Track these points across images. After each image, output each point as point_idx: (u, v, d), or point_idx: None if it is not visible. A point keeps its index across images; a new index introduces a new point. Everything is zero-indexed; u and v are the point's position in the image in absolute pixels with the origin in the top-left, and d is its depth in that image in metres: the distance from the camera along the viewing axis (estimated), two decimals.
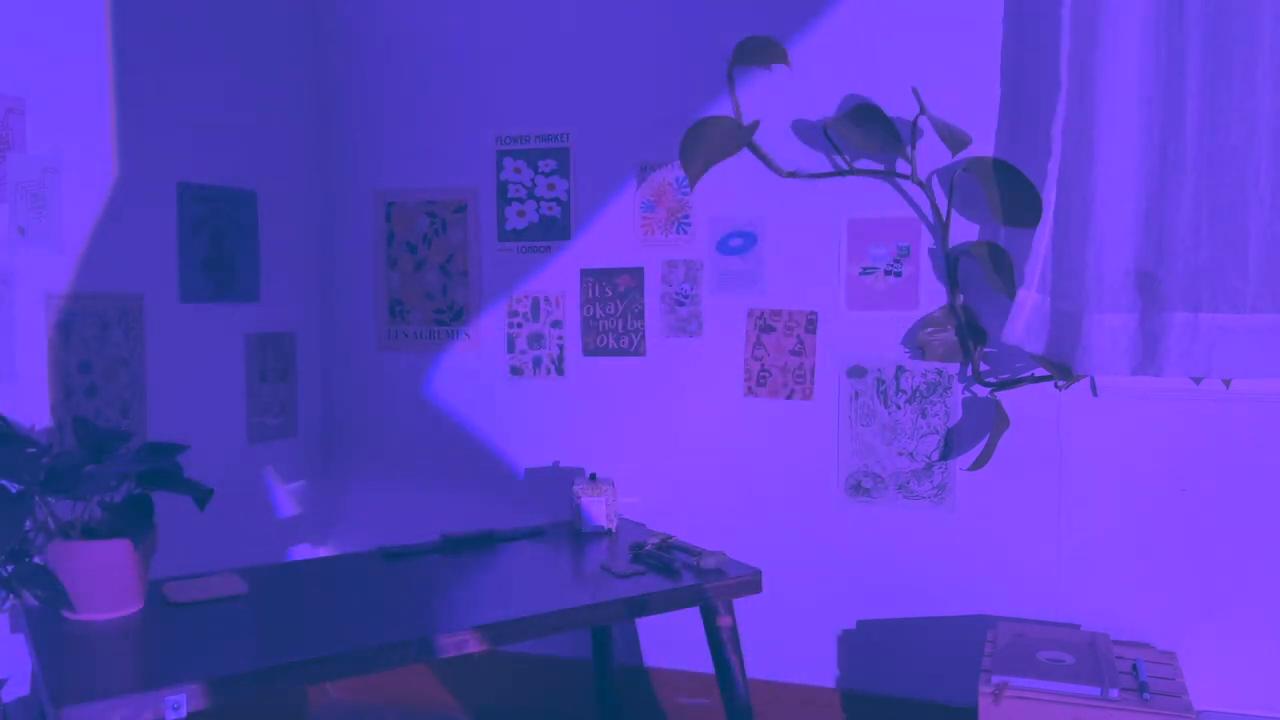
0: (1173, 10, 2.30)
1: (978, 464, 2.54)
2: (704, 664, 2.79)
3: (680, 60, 2.82)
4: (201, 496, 2.07)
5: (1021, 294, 2.44)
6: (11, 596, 1.98)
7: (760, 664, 2.79)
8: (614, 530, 2.68)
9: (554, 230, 2.97)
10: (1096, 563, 2.54)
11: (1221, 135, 2.27)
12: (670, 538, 2.48)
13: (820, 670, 2.79)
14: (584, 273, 2.95)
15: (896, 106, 2.58)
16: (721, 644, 2.29)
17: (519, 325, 3.02)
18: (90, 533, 2.01)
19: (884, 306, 2.68)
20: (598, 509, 2.67)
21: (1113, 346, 2.37)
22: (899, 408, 2.67)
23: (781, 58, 2.67)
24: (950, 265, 2.57)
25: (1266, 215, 2.25)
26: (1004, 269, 2.47)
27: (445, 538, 2.57)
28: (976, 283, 2.58)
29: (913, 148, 2.56)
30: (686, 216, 2.84)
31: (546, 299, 2.99)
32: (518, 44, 2.98)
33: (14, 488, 1.89)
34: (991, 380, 2.57)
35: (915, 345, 2.65)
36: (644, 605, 2.14)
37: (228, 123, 2.84)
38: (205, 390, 2.78)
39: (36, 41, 2.29)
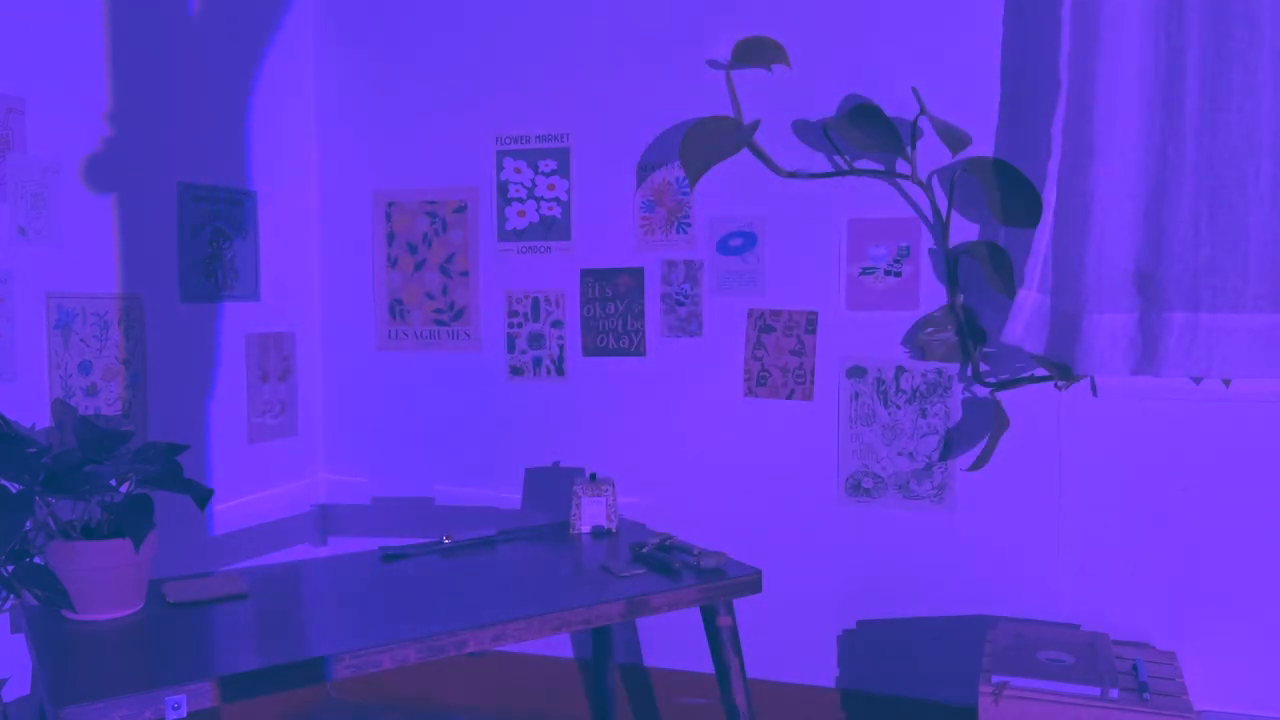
0: (1172, 10, 2.30)
1: (978, 464, 2.54)
2: (704, 664, 2.79)
3: (680, 60, 2.82)
4: (201, 496, 2.07)
5: (1021, 294, 2.44)
6: (12, 596, 1.98)
7: (760, 664, 2.79)
8: (614, 530, 2.68)
9: (554, 230, 2.97)
10: (1096, 563, 2.54)
11: (1221, 135, 2.27)
12: (670, 538, 2.48)
13: (820, 670, 2.79)
14: (584, 273, 2.95)
15: (896, 106, 2.58)
16: (721, 644, 2.29)
17: (519, 325, 3.02)
18: (90, 533, 2.01)
19: (884, 306, 2.68)
20: (598, 509, 2.67)
21: (1113, 346, 2.37)
22: (899, 408, 2.67)
23: (781, 58, 2.67)
24: (950, 265, 2.57)
25: (1266, 215, 2.26)
26: (1004, 269, 2.47)
27: (445, 538, 2.57)
28: (976, 283, 2.58)
29: (913, 148, 2.56)
30: (686, 216, 2.84)
31: (546, 299, 2.99)
32: (518, 44, 2.98)
33: (14, 488, 1.89)
34: (991, 380, 2.57)
35: (915, 345, 2.65)
36: (644, 605, 2.14)
37: (228, 123, 2.84)
38: (205, 390, 2.78)
39: (36, 41, 2.29)
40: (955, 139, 2.47)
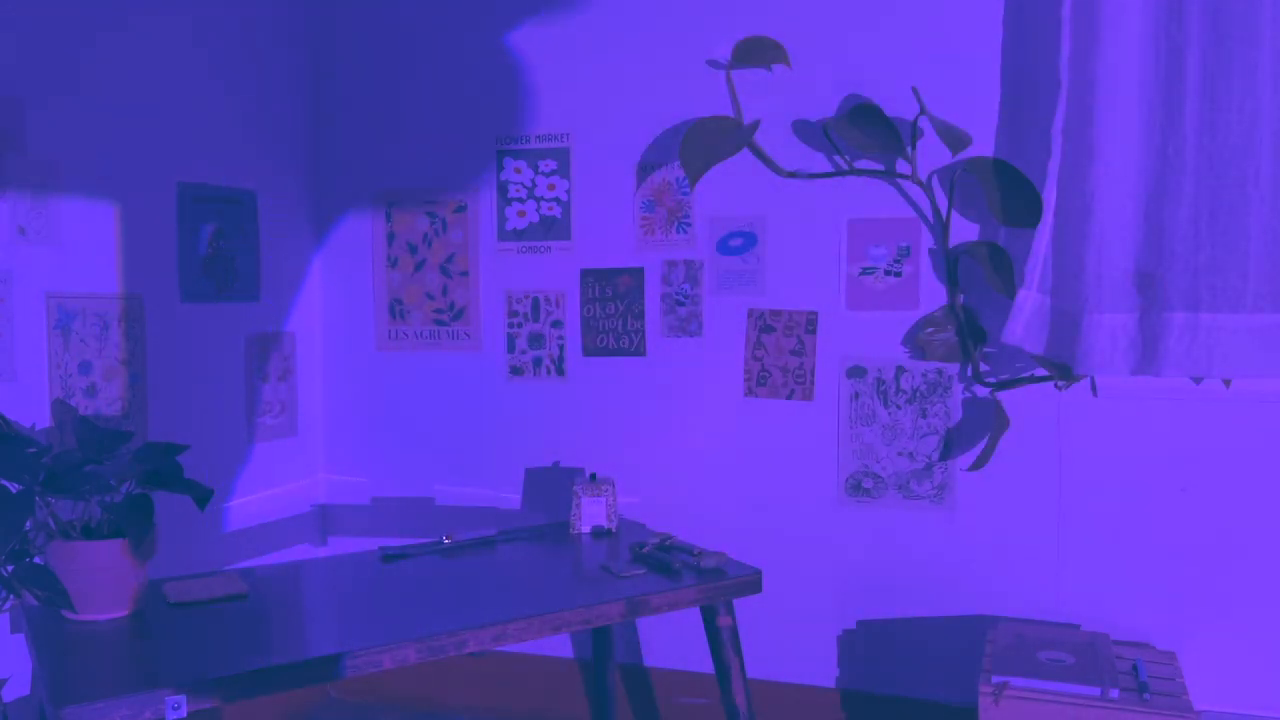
0: (1172, 10, 2.30)
1: (978, 464, 2.54)
2: (704, 664, 2.79)
3: (680, 60, 2.82)
4: (201, 496, 2.07)
5: (1021, 294, 2.44)
6: (11, 596, 1.98)
7: (760, 664, 2.78)
8: (614, 530, 2.68)
9: (554, 230, 2.97)
10: (1096, 563, 2.53)
11: (1221, 135, 2.27)
12: (670, 538, 2.48)
13: (820, 670, 2.79)
14: (584, 273, 2.95)
15: (896, 106, 2.58)
16: (721, 644, 2.29)
17: (519, 325, 3.02)
18: (90, 533, 2.01)
19: (884, 306, 2.68)
20: (598, 509, 2.67)
21: (1113, 346, 2.37)
22: (899, 408, 2.67)
23: (781, 58, 2.67)
24: (950, 265, 2.57)
25: (1266, 215, 2.26)
26: (1004, 269, 2.47)
27: (445, 538, 2.57)
28: (976, 283, 2.58)
29: (913, 148, 2.56)
30: (686, 216, 2.84)
31: (546, 299, 2.99)
32: (518, 44, 2.98)
33: (14, 488, 1.89)
34: (991, 380, 2.57)
35: (915, 345, 2.65)
36: (644, 605, 2.14)
37: (228, 123, 2.84)
38: (205, 390, 2.78)
39: (36, 41, 2.29)
40: (955, 139, 2.47)
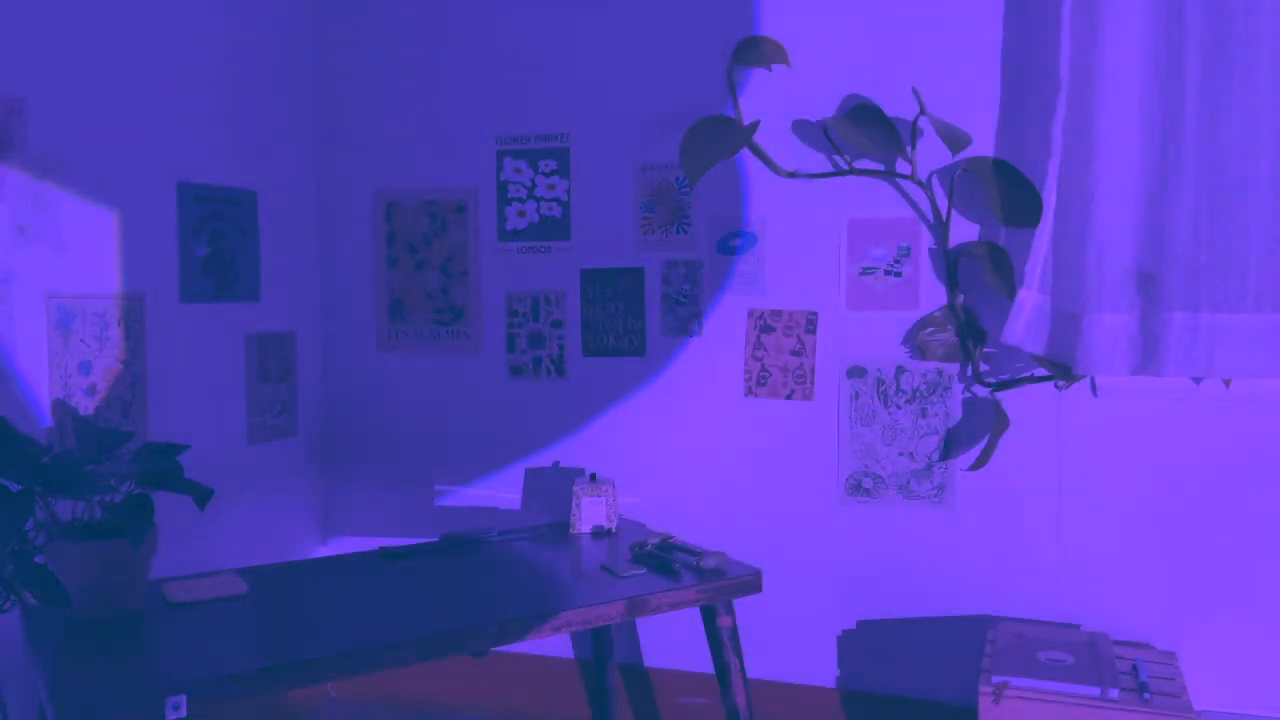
0: (1173, 10, 2.30)
1: (978, 464, 2.54)
2: (704, 664, 2.79)
3: (680, 60, 2.82)
4: (201, 496, 2.07)
5: (1021, 294, 2.44)
6: (11, 596, 1.98)
7: (760, 664, 2.78)
8: (614, 530, 2.68)
9: (554, 230, 2.97)
10: (1096, 563, 2.53)
11: (1222, 135, 2.27)
12: (670, 538, 2.48)
13: (820, 670, 2.79)
14: (584, 273, 2.95)
15: (896, 106, 2.58)
16: (721, 644, 2.29)
17: (519, 325, 3.02)
18: (90, 533, 2.01)
19: (884, 306, 2.68)
20: (598, 509, 2.67)
21: (1113, 346, 2.37)
22: (899, 408, 2.67)
23: (781, 58, 2.67)
24: (950, 265, 2.57)
25: (1266, 215, 2.25)
26: (1004, 269, 2.47)
27: (445, 538, 2.57)
28: (976, 283, 2.58)
29: (913, 148, 2.56)
30: (686, 216, 2.84)
31: (546, 299, 2.99)
32: (518, 44, 2.98)
33: (14, 488, 1.89)
34: (991, 380, 2.57)
35: (915, 345, 2.65)
36: (644, 605, 2.14)
37: (228, 123, 2.84)
38: (205, 390, 2.78)
39: (36, 41, 2.29)
40: (955, 139, 2.47)
